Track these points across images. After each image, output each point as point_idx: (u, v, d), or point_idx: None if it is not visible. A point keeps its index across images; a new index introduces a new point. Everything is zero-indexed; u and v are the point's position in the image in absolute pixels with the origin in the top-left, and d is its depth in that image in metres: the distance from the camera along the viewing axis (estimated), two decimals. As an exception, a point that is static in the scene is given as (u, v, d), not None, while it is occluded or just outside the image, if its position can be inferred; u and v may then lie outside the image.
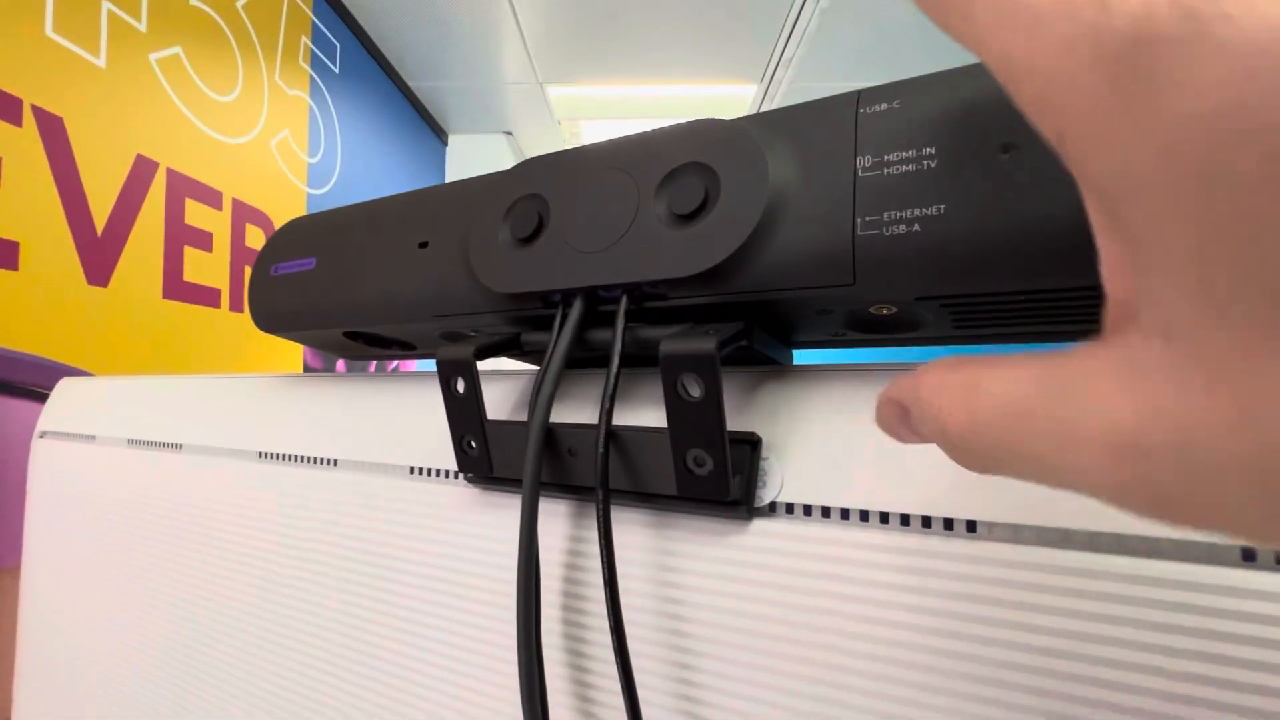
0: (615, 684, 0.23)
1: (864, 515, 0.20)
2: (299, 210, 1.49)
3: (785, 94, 2.09)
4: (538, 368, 0.25)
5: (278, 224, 1.37)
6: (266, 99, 1.37)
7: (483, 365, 0.25)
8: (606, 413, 0.22)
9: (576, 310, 0.23)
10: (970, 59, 0.18)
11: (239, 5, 1.28)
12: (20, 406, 0.79)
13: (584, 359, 0.27)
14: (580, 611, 0.24)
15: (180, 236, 1.10)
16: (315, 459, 0.33)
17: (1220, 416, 0.08)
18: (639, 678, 0.22)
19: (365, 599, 0.30)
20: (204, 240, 1.16)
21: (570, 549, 0.25)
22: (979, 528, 0.18)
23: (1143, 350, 0.09)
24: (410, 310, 0.29)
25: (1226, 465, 0.08)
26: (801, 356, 0.27)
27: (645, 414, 0.25)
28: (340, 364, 1.65)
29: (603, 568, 0.21)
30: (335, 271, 0.31)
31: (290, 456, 0.34)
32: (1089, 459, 0.09)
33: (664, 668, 0.22)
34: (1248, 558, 0.15)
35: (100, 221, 0.93)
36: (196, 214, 1.14)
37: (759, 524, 0.21)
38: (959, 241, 0.17)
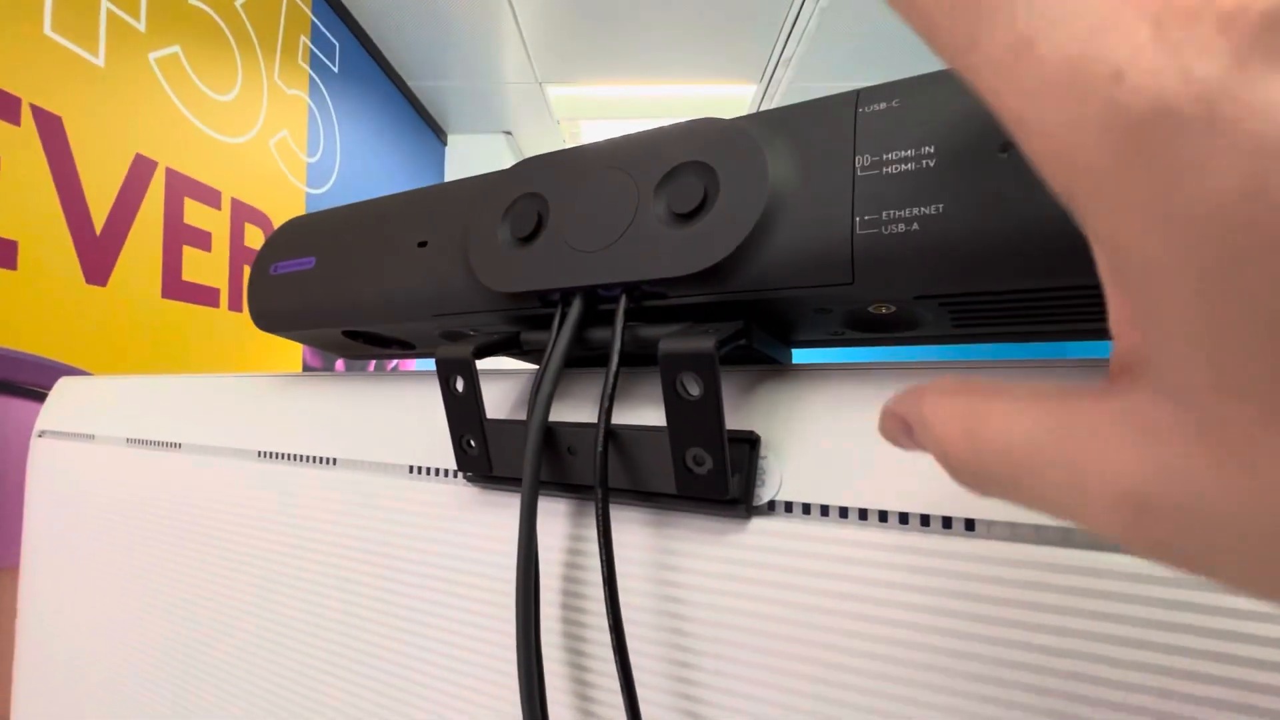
0: (614, 682, 0.23)
1: (863, 514, 0.20)
2: (298, 210, 1.49)
3: (785, 94, 2.08)
4: (537, 367, 0.25)
5: (277, 223, 1.37)
6: (265, 98, 1.37)
7: (482, 364, 0.25)
8: (606, 411, 0.22)
9: (576, 309, 0.23)
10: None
11: (238, 4, 1.28)
12: (19, 406, 0.79)
13: (583, 358, 0.27)
14: (579, 610, 0.24)
15: (179, 236, 1.10)
16: (315, 458, 0.33)
17: (1230, 484, 0.08)
18: (638, 676, 0.23)
19: (365, 598, 0.30)
20: (203, 240, 1.16)
21: (570, 548, 0.25)
22: (978, 526, 0.18)
23: (1153, 408, 0.09)
24: (409, 309, 0.29)
25: (1233, 528, 0.08)
26: (801, 355, 0.27)
27: (645, 413, 0.25)
28: (340, 363, 1.65)
29: (602, 566, 0.21)
30: (334, 271, 0.31)
31: (290, 456, 0.34)
32: (1093, 505, 0.09)
33: (663, 666, 0.22)
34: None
35: (99, 221, 0.93)
36: (195, 213, 1.14)
37: (758, 523, 0.21)
38: (958, 240, 0.17)
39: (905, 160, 0.18)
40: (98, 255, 0.93)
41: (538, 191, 0.25)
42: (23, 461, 0.50)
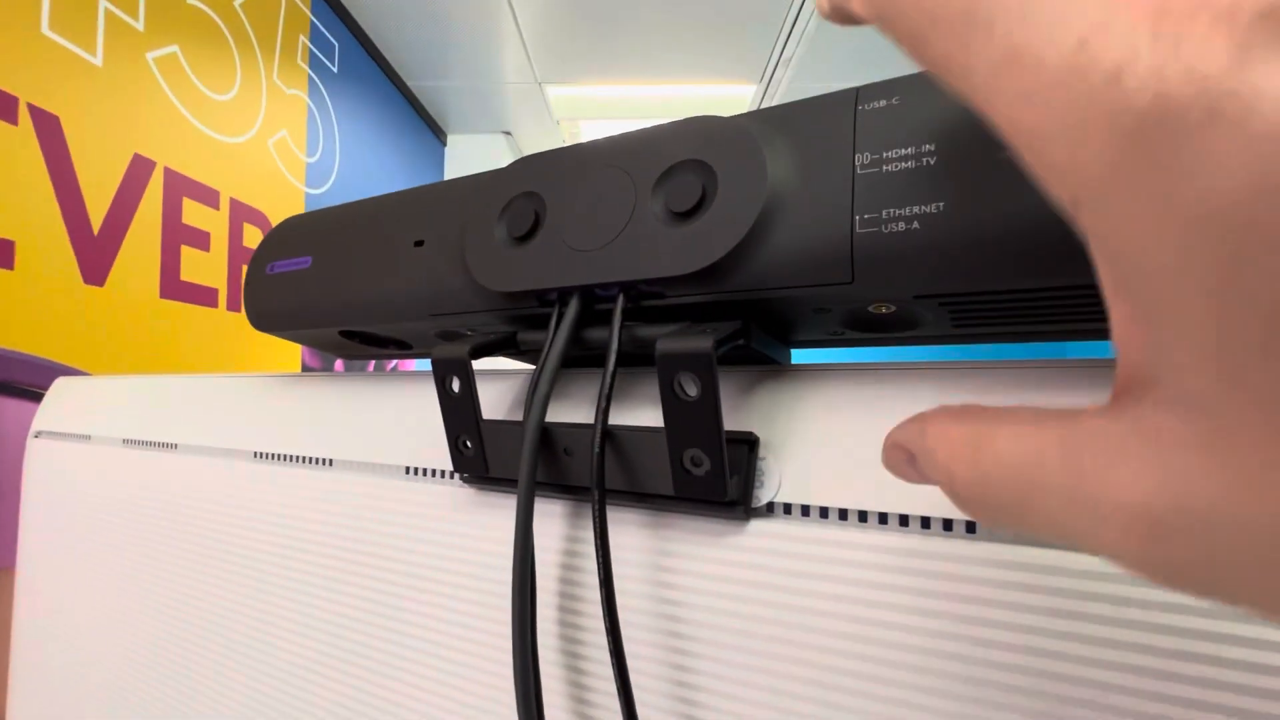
0: (611, 685, 0.23)
1: (862, 516, 0.20)
2: (297, 210, 1.49)
3: (785, 94, 2.09)
4: (534, 367, 0.25)
5: (275, 223, 1.37)
6: (264, 98, 1.37)
7: (479, 364, 0.25)
8: (603, 412, 0.22)
9: (573, 309, 0.23)
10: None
11: (236, 4, 1.28)
12: (16, 406, 0.79)
13: (580, 358, 0.27)
14: (576, 613, 0.24)
15: (177, 236, 1.09)
16: (310, 459, 0.33)
17: (1246, 495, 0.08)
18: (635, 679, 0.22)
19: (361, 599, 0.30)
20: (201, 240, 1.15)
21: (566, 549, 0.24)
22: (978, 529, 0.18)
23: (1163, 421, 0.08)
24: (406, 309, 0.28)
25: (1252, 544, 0.08)
26: (800, 356, 0.27)
27: (642, 414, 0.25)
28: (339, 364, 1.65)
29: (599, 568, 0.21)
30: (331, 270, 0.31)
31: (286, 456, 0.34)
32: (1106, 529, 0.09)
33: (660, 669, 0.22)
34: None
35: (97, 220, 0.93)
36: (194, 213, 1.14)
37: (756, 524, 0.21)
38: (958, 239, 0.17)
39: (905, 158, 0.18)
40: (95, 255, 0.93)
41: (535, 190, 0.25)
42: (19, 462, 0.50)
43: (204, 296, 1.16)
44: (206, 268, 1.17)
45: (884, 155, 0.18)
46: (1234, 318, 0.07)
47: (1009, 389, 0.19)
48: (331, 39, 1.71)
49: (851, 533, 0.20)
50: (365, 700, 0.29)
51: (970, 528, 0.18)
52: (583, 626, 0.24)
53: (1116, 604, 0.16)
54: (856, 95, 0.20)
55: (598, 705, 0.23)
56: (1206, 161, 0.07)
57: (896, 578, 0.19)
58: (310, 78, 1.58)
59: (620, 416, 0.25)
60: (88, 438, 0.45)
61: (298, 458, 0.34)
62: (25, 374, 0.81)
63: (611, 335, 0.22)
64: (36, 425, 0.48)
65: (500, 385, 0.29)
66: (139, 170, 1.01)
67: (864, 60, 1.88)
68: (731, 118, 0.21)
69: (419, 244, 0.28)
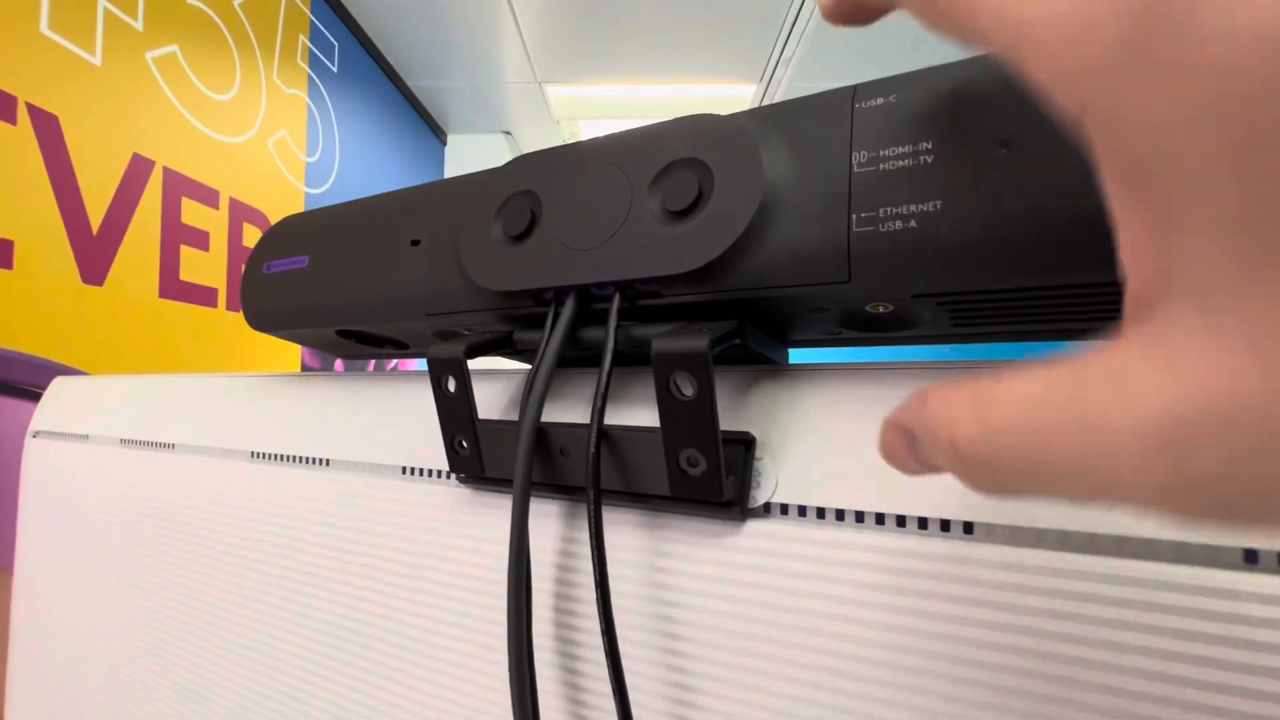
0: (606, 686, 0.23)
1: (859, 516, 0.19)
2: (297, 209, 1.49)
3: (785, 93, 2.08)
4: (530, 367, 0.25)
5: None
6: (264, 98, 1.37)
7: (475, 365, 0.25)
8: (598, 412, 0.21)
9: (569, 308, 0.23)
10: (967, 55, 0.18)
11: (236, 4, 1.27)
12: (14, 406, 0.79)
13: (577, 358, 0.27)
14: (572, 613, 0.24)
15: (177, 235, 1.09)
16: (307, 459, 0.33)
17: (1274, 383, 0.07)
18: (630, 680, 0.22)
19: (357, 598, 0.30)
20: (200, 239, 1.15)
21: (562, 550, 0.24)
22: (976, 529, 0.18)
23: (1177, 325, 0.08)
24: (402, 308, 0.28)
25: None
26: (797, 355, 0.27)
27: (638, 414, 0.24)
28: (339, 363, 1.65)
29: (594, 569, 0.21)
30: (327, 269, 0.31)
31: (282, 456, 0.34)
32: (1122, 456, 0.08)
33: (656, 670, 0.22)
34: (1249, 560, 0.15)
35: (96, 220, 0.93)
36: (193, 213, 1.14)
37: (753, 525, 0.21)
38: (956, 238, 0.17)
39: (902, 157, 0.18)
40: (94, 254, 0.92)
41: (531, 189, 0.25)
42: (17, 462, 0.50)
43: (203, 296, 1.16)
44: (206, 267, 1.17)
45: (881, 153, 0.18)
46: (1257, 197, 0.07)
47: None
48: (331, 39, 1.71)
49: (848, 533, 0.20)
50: (361, 699, 0.29)
51: (968, 529, 0.18)
52: (578, 627, 0.24)
53: (1113, 605, 0.16)
54: (854, 93, 0.19)
55: (593, 706, 0.23)
56: (1219, 33, 0.07)
57: (893, 578, 0.19)
58: (310, 77, 1.58)
59: (616, 416, 0.25)
60: (86, 437, 0.44)
61: (295, 457, 0.34)
62: (24, 373, 0.81)
63: (607, 335, 0.22)
64: (35, 425, 0.48)
65: (496, 385, 0.29)
66: (138, 170, 1.01)
67: (864, 61, 1.88)
68: (728, 116, 0.21)
69: (415, 243, 0.28)
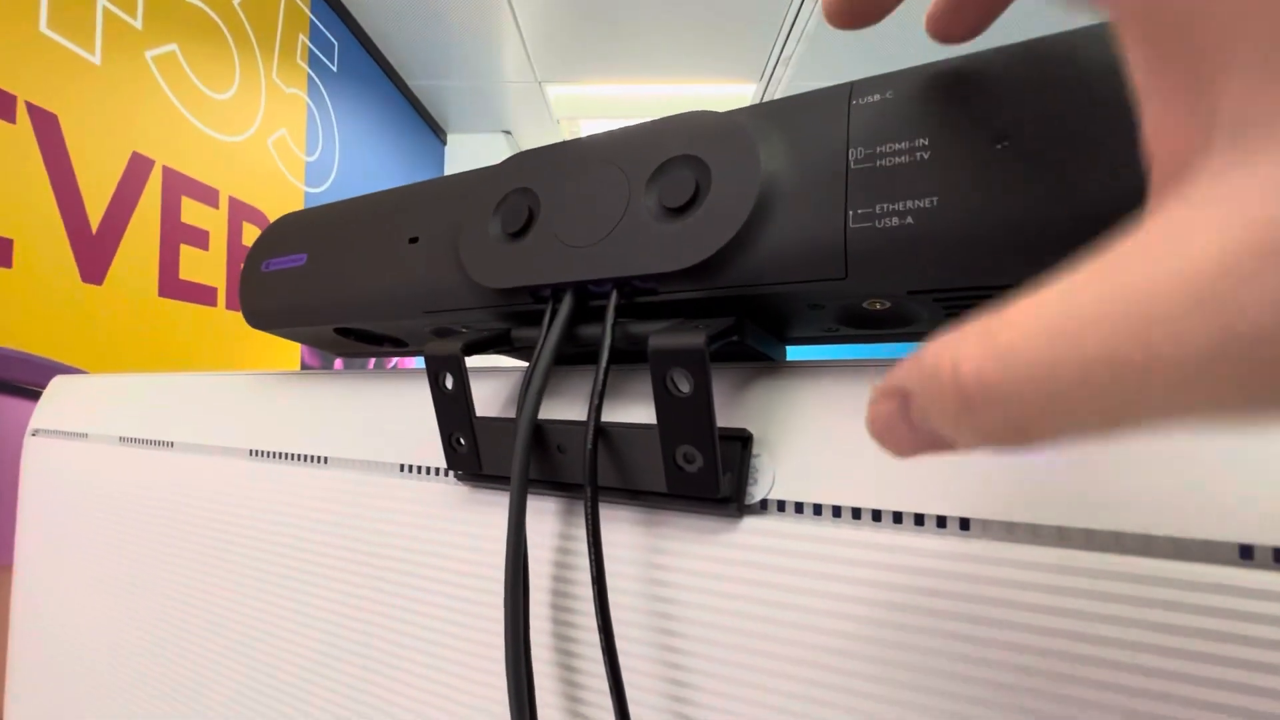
0: (603, 683, 0.23)
1: (856, 513, 0.19)
2: (296, 208, 1.49)
3: (785, 93, 2.08)
4: (527, 364, 0.25)
5: (275, 222, 1.37)
6: (264, 97, 1.37)
7: (473, 363, 0.25)
8: (596, 409, 0.21)
9: (566, 305, 0.23)
10: (966, 52, 0.18)
11: (235, 3, 1.27)
12: (13, 405, 0.79)
13: (574, 355, 0.27)
14: (569, 610, 0.24)
15: (176, 234, 1.09)
16: (306, 457, 0.33)
17: None
18: (627, 676, 0.22)
19: (355, 596, 0.30)
20: (200, 238, 1.15)
21: (559, 546, 0.24)
22: (972, 525, 0.18)
23: (1219, 171, 0.07)
24: (400, 306, 0.28)
25: None
26: (794, 353, 0.27)
27: (635, 411, 0.24)
28: (338, 362, 1.65)
29: (591, 565, 0.21)
30: (326, 267, 0.31)
31: (281, 454, 0.34)
32: (1166, 337, 0.07)
33: (653, 666, 0.22)
34: (1245, 556, 0.15)
35: (95, 219, 0.93)
36: (193, 212, 1.14)
37: (750, 522, 0.21)
38: (952, 234, 0.17)
39: (899, 153, 0.18)
40: (94, 253, 0.93)
41: (529, 186, 0.25)
42: (16, 460, 0.50)
43: (203, 295, 1.16)
44: (205, 266, 1.17)
45: (878, 150, 0.18)
46: None
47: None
48: (331, 38, 1.71)
49: (845, 530, 0.20)
50: (359, 697, 0.29)
51: (964, 525, 0.18)
52: (575, 624, 0.24)
53: (1109, 601, 0.16)
54: (850, 90, 0.19)
55: (590, 702, 0.23)
56: None
57: (890, 575, 0.19)
58: (310, 77, 1.58)
59: (613, 413, 0.25)
60: (85, 436, 0.44)
61: (293, 455, 0.34)
62: (23, 372, 0.81)
63: (604, 331, 0.22)
64: (34, 423, 0.48)
65: (494, 383, 0.29)
66: (138, 169, 1.01)
67: (864, 60, 1.88)
68: (725, 113, 0.21)
69: (414, 241, 0.28)
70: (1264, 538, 0.15)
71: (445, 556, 0.27)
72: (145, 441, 0.41)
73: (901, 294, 0.20)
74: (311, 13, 1.59)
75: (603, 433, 0.22)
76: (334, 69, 1.72)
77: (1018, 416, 0.08)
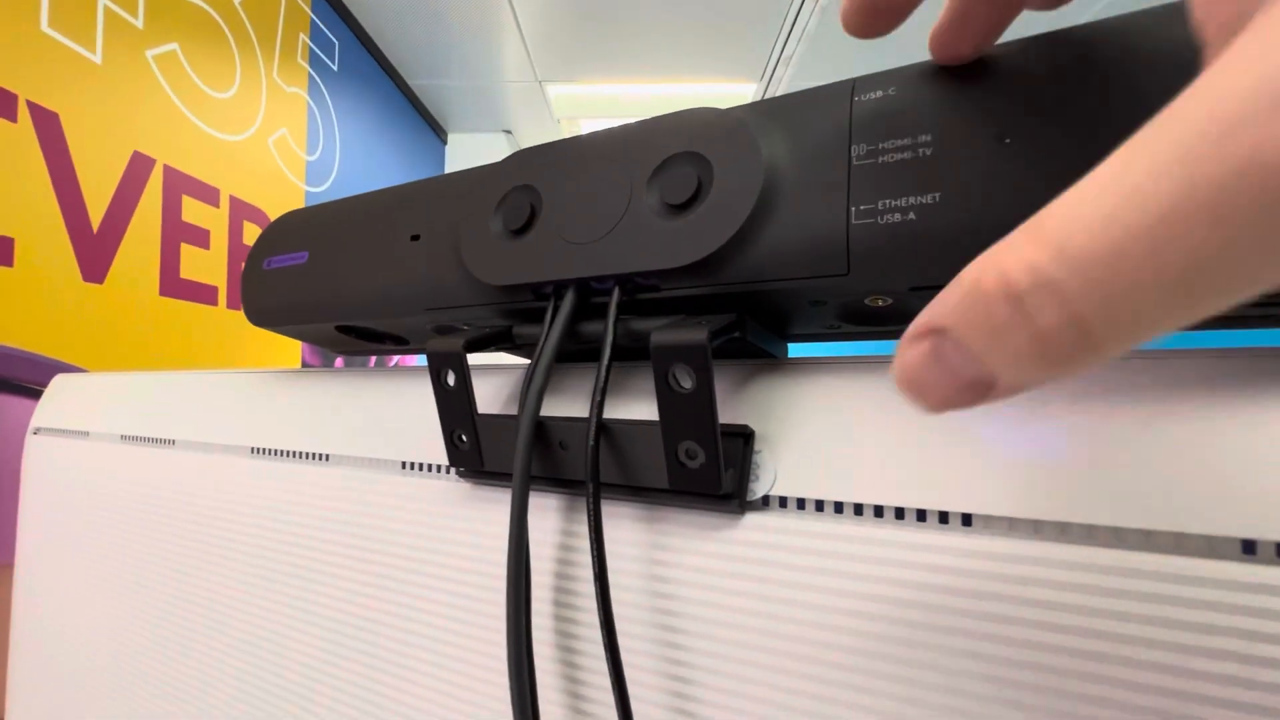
0: (606, 679, 0.23)
1: (858, 509, 0.19)
2: (297, 207, 1.49)
3: (785, 92, 2.08)
4: (529, 361, 0.25)
5: (276, 222, 1.37)
6: (264, 96, 1.37)
7: (475, 360, 0.25)
8: (598, 405, 0.21)
9: (568, 302, 0.23)
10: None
11: (236, 2, 1.27)
12: (15, 403, 0.79)
13: (576, 352, 0.27)
14: (571, 606, 0.24)
15: (177, 233, 1.09)
16: (308, 454, 0.33)
17: None
18: (629, 672, 0.22)
19: (357, 593, 0.30)
20: (201, 237, 1.15)
21: (561, 543, 0.24)
22: (974, 521, 0.18)
23: (1265, 24, 0.07)
24: (402, 304, 0.28)
25: None
26: (796, 350, 0.27)
27: (637, 407, 0.24)
28: (339, 360, 1.65)
29: (593, 562, 0.21)
30: (327, 265, 0.31)
31: (283, 452, 0.34)
32: (1246, 153, 0.06)
33: (655, 663, 0.22)
34: (1248, 551, 0.15)
35: (96, 218, 0.93)
36: (194, 211, 1.14)
37: (751, 518, 0.21)
38: (955, 230, 0.17)
39: (902, 149, 0.18)
40: (95, 252, 0.93)
41: (530, 183, 0.25)
42: (18, 459, 0.50)
43: (204, 294, 1.16)
44: (206, 265, 1.17)
45: (880, 146, 0.18)
46: None
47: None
48: (332, 37, 1.71)
49: (847, 526, 0.20)
50: (360, 694, 0.29)
51: (966, 520, 0.18)
52: (577, 620, 0.24)
53: (1111, 597, 0.16)
54: (853, 86, 0.19)
55: (592, 699, 0.23)
56: None
57: (892, 570, 0.19)
58: (310, 76, 1.58)
59: (615, 410, 0.25)
60: (86, 434, 0.45)
61: (295, 453, 0.34)
62: (24, 371, 0.81)
63: (606, 328, 0.22)
64: (35, 422, 0.48)
65: (496, 380, 0.29)
66: (138, 168, 1.01)
67: (864, 59, 1.88)
68: (727, 109, 0.21)
69: (415, 238, 0.28)
70: (1266, 532, 0.15)
71: (447, 553, 0.27)
72: (147, 440, 0.41)
73: (904, 290, 0.20)
74: (312, 12, 1.59)
75: (605, 429, 0.22)
76: (335, 68, 1.72)
77: (1082, 313, 0.07)
